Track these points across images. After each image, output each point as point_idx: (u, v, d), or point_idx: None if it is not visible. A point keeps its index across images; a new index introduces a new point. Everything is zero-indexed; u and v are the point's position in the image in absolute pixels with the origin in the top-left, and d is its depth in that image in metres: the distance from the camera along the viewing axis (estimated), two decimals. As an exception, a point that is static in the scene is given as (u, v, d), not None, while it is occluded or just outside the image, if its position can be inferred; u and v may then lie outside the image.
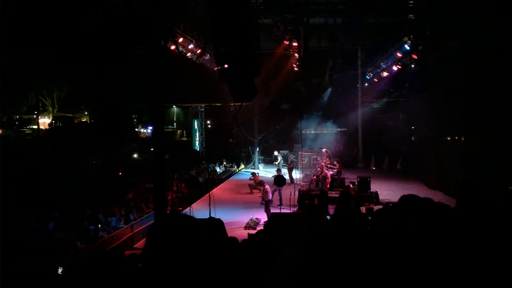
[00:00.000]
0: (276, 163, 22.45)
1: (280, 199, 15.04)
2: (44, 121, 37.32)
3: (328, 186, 15.44)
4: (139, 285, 2.76)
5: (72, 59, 25.38)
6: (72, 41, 23.53)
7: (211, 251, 1.88)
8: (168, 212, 11.97)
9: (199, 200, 16.74)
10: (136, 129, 36.22)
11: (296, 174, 21.34)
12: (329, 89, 25.47)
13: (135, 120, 36.50)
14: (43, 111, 37.40)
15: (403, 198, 2.58)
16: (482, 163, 12.86)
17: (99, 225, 12.36)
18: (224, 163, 28.11)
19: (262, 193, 14.28)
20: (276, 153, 23.85)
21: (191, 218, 1.84)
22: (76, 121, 40.11)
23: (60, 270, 6.83)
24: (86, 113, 41.21)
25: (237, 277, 2.55)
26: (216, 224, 2.81)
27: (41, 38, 23.94)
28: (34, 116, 38.63)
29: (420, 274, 1.87)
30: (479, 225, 2.49)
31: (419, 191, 16.11)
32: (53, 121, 37.26)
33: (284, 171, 20.96)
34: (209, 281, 1.85)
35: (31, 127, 38.39)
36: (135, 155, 26.09)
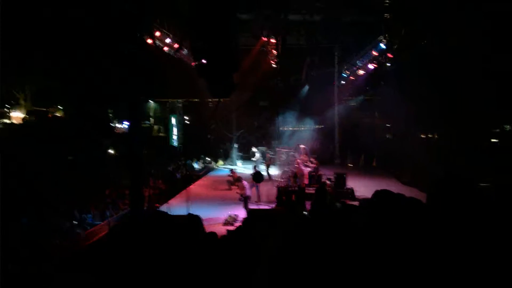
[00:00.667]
0: (254, 159, 22.49)
1: (259, 196, 15.12)
2: (17, 115, 36.38)
3: (306, 182, 15.57)
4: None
5: (47, 52, 24.82)
6: (46, 32, 23.02)
7: (188, 248, 1.89)
8: (145, 208, 11.90)
9: (176, 196, 16.67)
10: (111, 124, 35.66)
11: (274, 171, 21.45)
12: (306, 86, 25.65)
13: (110, 115, 35.94)
14: (15, 105, 36.43)
15: (377, 193, 2.66)
16: (454, 159, 13.22)
17: (75, 222, 12.20)
18: (203, 159, 28.02)
19: (239, 189, 14.31)
20: (254, 149, 23.90)
21: (165, 216, 1.84)
22: (50, 116, 39.28)
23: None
24: (60, 107, 40.38)
25: (217, 273, 2.57)
26: (194, 221, 2.82)
27: (14, 29, 23.31)
28: (6, 110, 37.62)
29: (394, 268, 1.93)
30: (451, 220, 2.58)
31: (394, 187, 16.40)
32: (27, 116, 36.37)
33: (262, 168, 21.04)
34: (188, 278, 1.86)
35: (3, 121, 37.39)
36: (110, 151, 25.71)
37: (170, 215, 1.93)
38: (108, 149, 24.24)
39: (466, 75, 12.79)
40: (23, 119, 35.93)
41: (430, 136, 17.54)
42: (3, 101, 36.38)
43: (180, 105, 31.29)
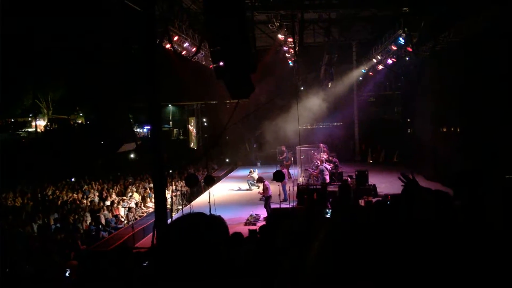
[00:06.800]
0: (281, 157, 21.72)
1: (285, 195, 15.11)
2: (40, 124, 37.21)
3: (328, 180, 15.48)
4: (147, 281, 2.80)
5: (67, 58, 25.31)
6: (66, 39, 23.47)
7: (220, 247, 1.90)
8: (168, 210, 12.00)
9: (198, 198, 16.82)
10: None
11: (294, 170, 21.34)
12: (325, 83, 25.48)
13: (131, 119, 36.43)
14: (37, 113, 37.26)
15: (406, 188, 2.62)
16: (478, 153, 12.96)
17: (100, 226, 12.39)
18: (222, 160, 28.18)
19: (262, 189, 14.28)
20: (283, 148, 22.75)
21: (202, 216, 1.84)
22: (72, 123, 40.03)
23: (67, 273, 6.85)
24: (81, 114, 41.13)
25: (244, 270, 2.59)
26: (218, 221, 2.82)
27: (35, 36, 23.82)
28: (29, 118, 38.49)
29: (425, 268, 1.90)
30: (477, 215, 2.54)
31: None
32: (49, 123, 37.14)
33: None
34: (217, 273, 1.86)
35: (27, 130, 38.27)
36: (132, 155, 26.10)
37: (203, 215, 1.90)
38: (131, 153, 24.60)
39: (490, 65, 12.53)
40: (45, 126, 36.73)
41: (452, 129, 17.23)
42: (27, 110, 37.31)
43: (198, 107, 31.52)
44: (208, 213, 2.66)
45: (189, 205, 15.05)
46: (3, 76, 22.23)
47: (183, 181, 16.71)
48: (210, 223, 1.97)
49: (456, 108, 15.48)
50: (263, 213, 13.64)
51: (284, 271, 2.36)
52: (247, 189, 18.98)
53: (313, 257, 1.46)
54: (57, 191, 16.41)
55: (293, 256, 2.33)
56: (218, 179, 21.94)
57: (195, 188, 17.14)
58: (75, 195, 15.89)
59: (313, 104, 24.47)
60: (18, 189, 16.34)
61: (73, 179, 18.90)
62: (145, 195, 16.63)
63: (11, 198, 15.05)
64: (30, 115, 37.58)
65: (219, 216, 2.13)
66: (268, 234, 3.70)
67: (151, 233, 10.93)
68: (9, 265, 8.15)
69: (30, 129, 37.69)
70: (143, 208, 15.71)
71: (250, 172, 19.86)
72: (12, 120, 39.94)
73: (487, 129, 13.13)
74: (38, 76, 30.73)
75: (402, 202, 2.36)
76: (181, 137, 41.02)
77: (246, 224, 12.78)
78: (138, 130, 40.66)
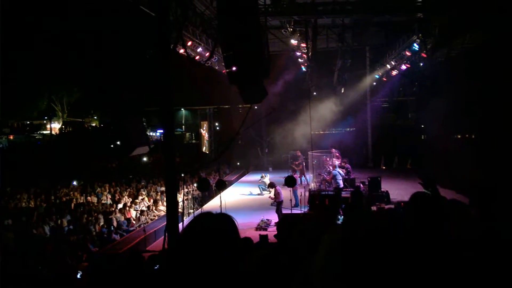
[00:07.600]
0: (296, 163, 21.51)
1: (296, 200, 15.00)
2: (54, 126, 37.66)
3: (341, 185, 15.36)
4: (159, 285, 2.79)
5: (80, 62, 25.49)
6: (80, 43, 23.68)
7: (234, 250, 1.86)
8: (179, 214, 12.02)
9: (209, 202, 16.82)
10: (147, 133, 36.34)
11: (306, 175, 21.22)
12: (338, 89, 25.37)
13: (144, 123, 36.59)
14: (52, 116, 37.70)
15: (415, 196, 2.58)
16: (493, 161, 12.77)
17: (112, 228, 12.46)
18: (234, 164, 28.16)
19: (273, 195, 14.22)
20: (298, 153, 22.30)
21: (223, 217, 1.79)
22: (86, 126, 40.46)
23: (79, 274, 6.89)
24: (95, 117, 41.55)
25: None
26: (230, 220, 2.77)
27: (47, 38, 24.04)
28: (45, 121, 38.98)
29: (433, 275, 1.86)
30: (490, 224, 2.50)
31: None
32: (63, 126, 37.55)
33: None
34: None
35: (42, 132, 38.77)
36: (144, 159, 26.24)
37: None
38: (144, 157, 24.72)
39: (506, 71, 12.35)
40: (60, 129, 37.17)
41: (467, 136, 17.03)
42: (42, 113, 37.80)
43: (210, 112, 31.61)
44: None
45: (200, 209, 15.06)
46: (17, 78, 22.50)
47: (195, 185, 16.76)
48: (220, 223, 1.90)
49: (471, 115, 15.29)
50: (274, 218, 13.58)
51: (300, 277, 2.33)
52: (258, 194, 18.93)
53: (319, 265, 1.42)
54: (71, 193, 16.58)
55: (309, 262, 2.29)
56: (230, 183, 21.93)
57: (207, 192, 17.16)
58: (88, 197, 16.03)
59: (325, 109, 24.38)
60: (32, 190, 16.53)
61: (74, 183, 18.89)
62: (157, 198, 16.70)
63: (25, 200, 15.24)
64: (46, 117, 38.03)
65: (230, 216, 2.06)
66: (283, 239, 3.67)
67: (162, 237, 10.98)
68: (21, 266, 8.23)
69: (45, 132, 38.15)
70: (155, 211, 15.77)
71: (261, 177, 19.81)
72: (28, 122, 40.47)
73: (503, 136, 12.93)
74: (53, 80, 31.08)
75: (410, 208, 2.33)
76: (194, 141, 41.19)
77: (257, 229, 12.73)
78: (151, 133, 40.92)
